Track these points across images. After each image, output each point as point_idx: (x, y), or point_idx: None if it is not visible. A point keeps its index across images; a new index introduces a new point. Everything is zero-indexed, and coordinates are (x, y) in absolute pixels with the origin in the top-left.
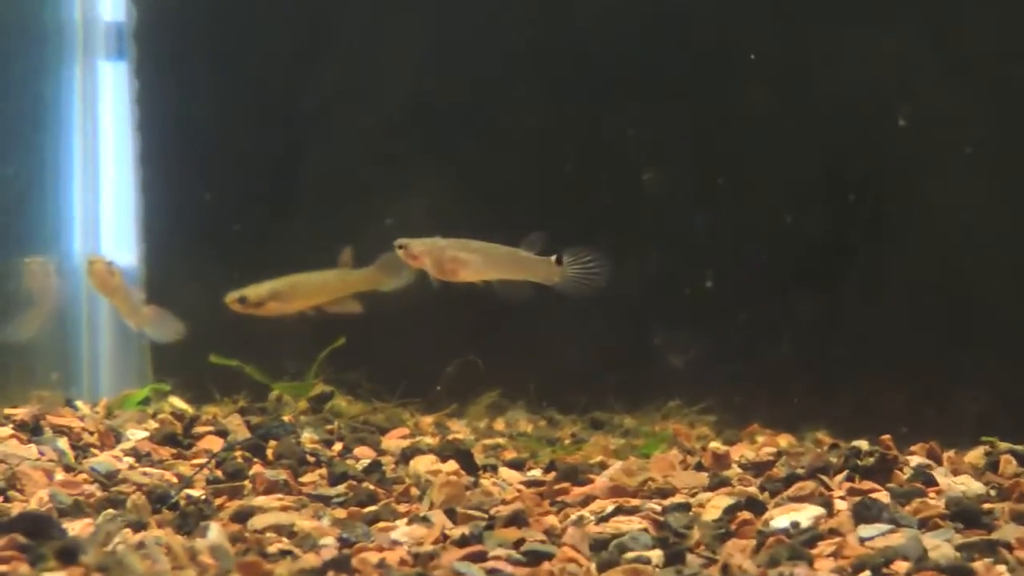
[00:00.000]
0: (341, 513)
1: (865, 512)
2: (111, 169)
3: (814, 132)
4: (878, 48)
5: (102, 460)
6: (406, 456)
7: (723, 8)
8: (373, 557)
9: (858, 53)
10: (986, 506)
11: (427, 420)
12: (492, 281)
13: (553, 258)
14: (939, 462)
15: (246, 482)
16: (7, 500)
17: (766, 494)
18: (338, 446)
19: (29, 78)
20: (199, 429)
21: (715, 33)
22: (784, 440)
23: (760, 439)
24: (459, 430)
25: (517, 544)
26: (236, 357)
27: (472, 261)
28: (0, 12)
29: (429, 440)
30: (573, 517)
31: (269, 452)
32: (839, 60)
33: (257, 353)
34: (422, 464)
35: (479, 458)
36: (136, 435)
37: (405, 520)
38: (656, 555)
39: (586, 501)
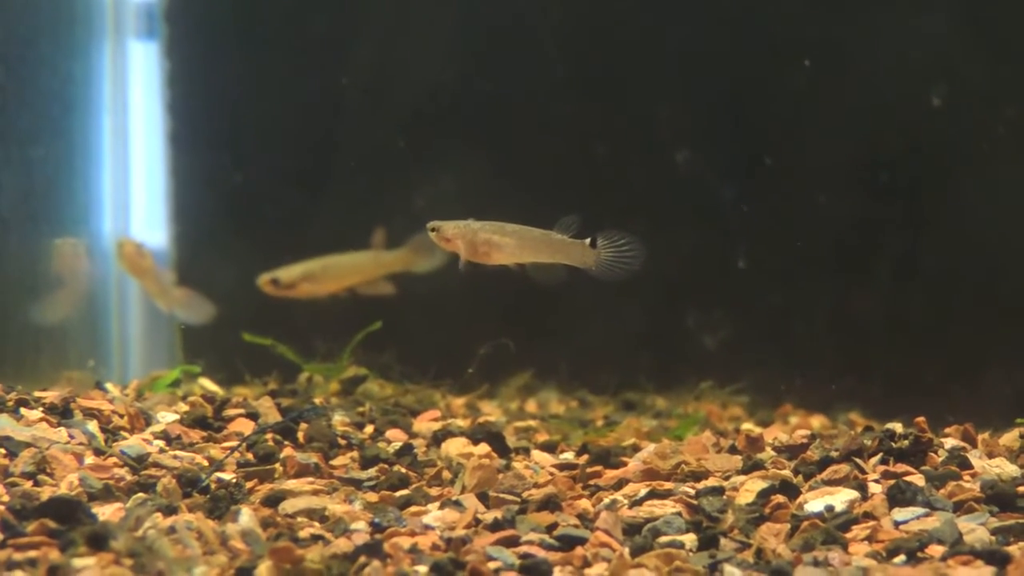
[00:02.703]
0: (373, 497)
1: (900, 495)
2: (141, 150)
3: (848, 113)
4: (913, 28)
5: (132, 443)
6: (438, 439)
7: None
8: (405, 542)
9: (893, 33)
10: (1021, 489)
11: (458, 402)
12: (526, 264)
13: (587, 241)
14: (973, 444)
15: (277, 465)
16: (37, 484)
17: (800, 477)
18: (369, 428)
19: (59, 58)
20: (230, 412)
21: (750, 13)
22: (817, 421)
23: (793, 420)
24: (491, 412)
25: (550, 528)
26: (267, 338)
27: (506, 244)
28: None
29: (461, 422)
30: (606, 501)
31: (300, 435)
32: (874, 40)
33: (287, 334)
34: (454, 447)
35: (511, 440)
36: (166, 418)
37: (437, 504)
38: (690, 539)
39: (619, 484)
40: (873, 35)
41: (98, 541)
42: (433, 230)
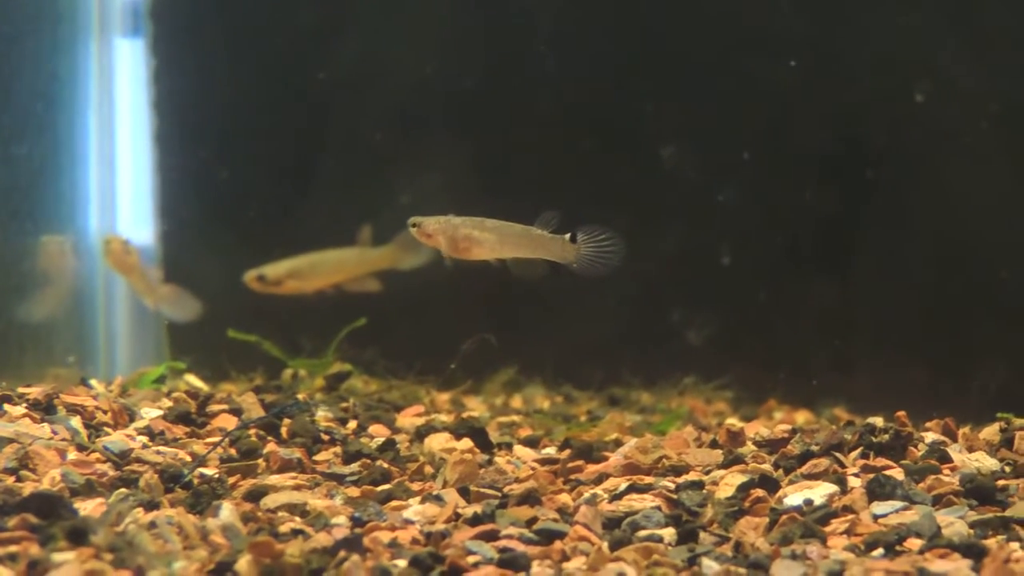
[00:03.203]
0: (354, 492)
1: (879, 489)
2: (127, 147)
3: (832, 109)
4: (897, 24)
5: (115, 439)
6: (421, 434)
7: None
8: (385, 536)
9: (877, 29)
10: (1000, 483)
11: (443, 397)
12: (506, 259)
13: (567, 236)
14: (954, 438)
15: (260, 460)
16: (19, 480)
17: (780, 471)
18: (352, 424)
19: (44, 56)
20: (213, 407)
21: (736, 8)
22: (802, 416)
23: (778, 415)
24: (475, 407)
25: (530, 523)
26: (253, 335)
27: (486, 240)
28: None
29: (444, 418)
30: (586, 495)
31: (283, 430)
32: (858, 36)
33: (273, 331)
34: (436, 442)
35: (494, 436)
36: (150, 413)
37: (418, 499)
38: (669, 533)
39: (600, 479)
40: (857, 31)
41: (78, 536)
42: (414, 225)
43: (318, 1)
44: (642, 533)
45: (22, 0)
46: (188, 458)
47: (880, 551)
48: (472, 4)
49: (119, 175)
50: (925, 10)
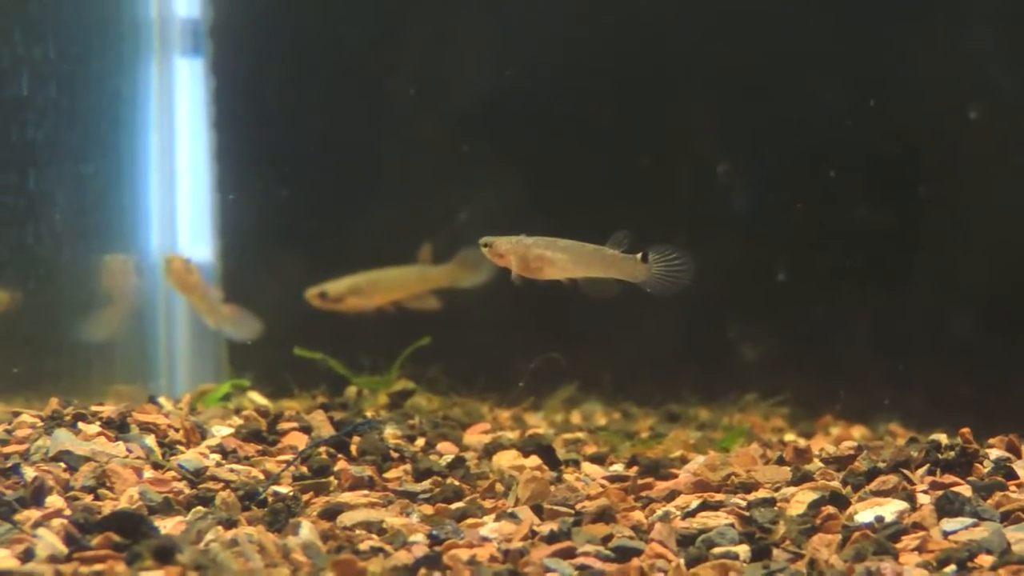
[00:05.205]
0: (428, 509)
1: (948, 506)
2: (187, 166)
3: (887, 126)
4: (949, 41)
5: (189, 457)
6: (489, 451)
7: (796, 2)
8: (464, 554)
9: (930, 46)
10: None
11: (505, 414)
12: (577, 279)
13: (639, 256)
14: (1018, 455)
15: (332, 478)
16: (98, 498)
17: (849, 488)
18: (421, 441)
19: (107, 76)
20: (283, 425)
21: (788, 27)
22: (858, 432)
23: (834, 431)
24: (537, 424)
25: (605, 540)
26: (312, 352)
27: (558, 260)
28: (78, 10)
29: (510, 435)
30: (659, 512)
31: (353, 448)
32: (913, 54)
33: (331, 348)
34: (505, 459)
35: (560, 453)
36: (221, 431)
37: (493, 516)
38: (743, 550)
39: (671, 496)
40: (912, 49)
41: (164, 554)
42: (486, 246)
43: (376, 19)
44: (717, 550)
45: (87, 22)
46: (261, 476)
47: (952, 568)
48: (531, 21)
49: (179, 194)
50: (977, 28)
